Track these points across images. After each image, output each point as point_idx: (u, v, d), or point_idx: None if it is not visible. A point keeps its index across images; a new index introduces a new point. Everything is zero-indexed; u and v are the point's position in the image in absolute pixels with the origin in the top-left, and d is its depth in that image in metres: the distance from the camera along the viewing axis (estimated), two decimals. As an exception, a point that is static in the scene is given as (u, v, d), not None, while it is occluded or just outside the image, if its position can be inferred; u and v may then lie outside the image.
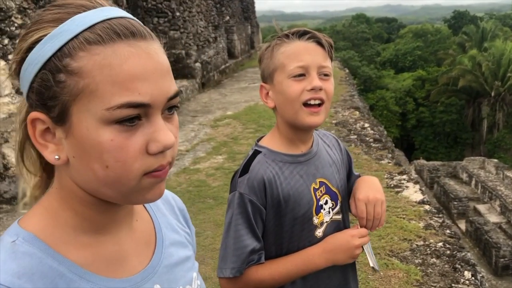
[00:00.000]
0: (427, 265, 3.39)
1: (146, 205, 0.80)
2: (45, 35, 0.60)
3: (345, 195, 1.39)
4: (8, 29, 5.15)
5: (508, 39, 38.25)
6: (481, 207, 17.63)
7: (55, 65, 0.59)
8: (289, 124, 1.28)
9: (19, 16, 5.34)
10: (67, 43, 0.59)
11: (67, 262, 0.63)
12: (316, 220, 1.29)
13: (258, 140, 1.35)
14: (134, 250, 0.72)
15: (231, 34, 17.11)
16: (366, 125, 7.79)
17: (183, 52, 11.38)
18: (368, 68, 41.13)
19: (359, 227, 1.29)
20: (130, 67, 0.59)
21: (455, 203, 17.04)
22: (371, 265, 1.30)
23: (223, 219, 1.32)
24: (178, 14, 11.34)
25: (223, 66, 14.94)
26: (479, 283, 3.24)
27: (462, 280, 3.20)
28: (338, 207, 1.35)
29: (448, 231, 3.94)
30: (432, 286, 3.14)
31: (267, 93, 1.30)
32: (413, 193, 4.80)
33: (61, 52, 0.59)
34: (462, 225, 16.06)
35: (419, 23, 62.39)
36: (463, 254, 3.54)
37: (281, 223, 1.26)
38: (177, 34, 11.23)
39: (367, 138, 6.93)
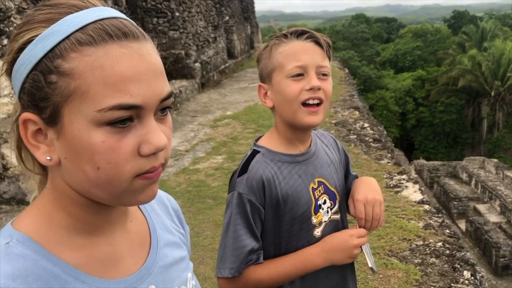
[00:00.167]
0: (426, 265, 3.39)
1: (140, 205, 0.79)
2: (36, 36, 0.59)
3: (343, 194, 1.39)
4: (7, 29, 5.16)
5: (508, 39, 38.26)
6: (481, 207, 17.64)
7: (46, 66, 0.58)
8: (288, 123, 1.28)
9: (18, 17, 5.34)
10: (58, 44, 0.58)
11: (61, 263, 0.63)
12: (314, 220, 1.29)
13: (257, 140, 1.36)
14: (128, 251, 0.72)
15: (231, 34, 17.11)
16: (366, 125, 7.79)
17: (183, 52, 11.38)
18: (367, 68, 41.12)
19: (357, 227, 1.29)
20: (122, 69, 0.58)
21: (455, 203, 17.04)
22: (370, 265, 1.30)
23: (222, 219, 1.31)
24: (177, 14, 11.34)
25: (222, 66, 14.94)
26: (478, 283, 3.24)
27: (461, 280, 3.20)
28: (336, 206, 1.35)
29: (447, 231, 3.94)
30: (431, 286, 3.14)
31: (266, 93, 1.30)
32: (413, 193, 4.80)
33: (53, 53, 0.58)
34: (462, 225, 16.06)
35: (419, 23, 62.33)
36: (463, 253, 3.54)
37: (280, 223, 1.26)
38: (177, 34, 11.23)
39: (367, 138, 6.93)
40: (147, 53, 0.61)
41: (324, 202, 1.32)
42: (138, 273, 0.71)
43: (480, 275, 3.71)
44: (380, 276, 3.23)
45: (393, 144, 15.75)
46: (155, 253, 0.75)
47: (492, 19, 49.90)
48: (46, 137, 0.62)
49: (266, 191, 1.23)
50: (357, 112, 8.78)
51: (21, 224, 0.65)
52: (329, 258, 1.25)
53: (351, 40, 46.39)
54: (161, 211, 0.84)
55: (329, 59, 1.28)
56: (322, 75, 1.24)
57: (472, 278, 3.24)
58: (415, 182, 5.15)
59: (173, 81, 10.93)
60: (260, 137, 1.37)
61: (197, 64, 11.98)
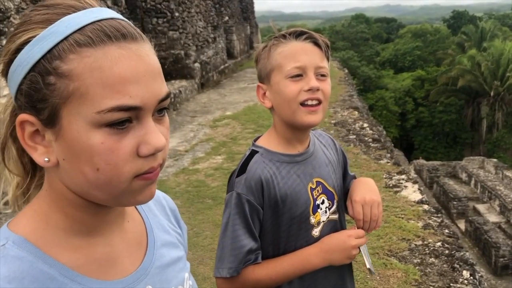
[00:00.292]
0: (425, 265, 3.39)
1: (137, 206, 0.79)
2: (33, 37, 0.59)
3: (341, 194, 1.39)
4: (6, 29, 5.15)
5: (507, 39, 38.30)
6: (481, 207, 17.65)
7: (44, 67, 0.58)
8: (287, 123, 1.28)
9: (18, 17, 5.34)
10: (56, 45, 0.58)
11: (58, 265, 0.63)
12: (313, 220, 1.29)
13: (255, 140, 1.36)
14: (125, 251, 0.72)
15: (230, 34, 17.12)
16: (365, 125, 7.79)
17: (182, 52, 11.38)
18: (367, 68, 41.12)
19: (356, 228, 1.30)
20: (121, 70, 0.58)
21: (455, 203, 17.06)
22: (367, 266, 1.31)
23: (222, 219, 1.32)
24: (177, 14, 11.34)
25: (222, 67, 14.95)
26: (477, 283, 3.24)
27: (460, 280, 3.20)
28: (334, 206, 1.35)
29: (446, 230, 3.94)
30: (430, 285, 3.14)
31: (264, 93, 1.30)
32: (412, 192, 4.80)
33: (51, 54, 0.58)
34: (462, 225, 16.07)
35: (418, 23, 62.36)
36: (462, 253, 3.54)
37: (278, 223, 1.27)
38: (176, 35, 11.23)
39: (366, 138, 6.94)
40: (145, 54, 0.61)
41: (323, 202, 1.32)
42: (135, 274, 0.71)
43: (480, 275, 3.71)
44: (379, 276, 3.23)
45: (393, 144, 15.74)
46: (152, 254, 0.75)
47: (492, 19, 49.95)
48: (44, 138, 0.62)
49: (265, 191, 1.24)
50: (356, 112, 8.79)
51: (18, 226, 0.64)
52: (328, 258, 1.25)
53: (350, 40, 46.40)
54: (158, 211, 0.84)
55: (328, 59, 1.28)
56: (321, 75, 1.24)
57: (471, 278, 3.24)
58: (415, 182, 5.16)
59: (173, 81, 10.93)
60: (259, 137, 1.37)
61: (197, 64, 11.98)
